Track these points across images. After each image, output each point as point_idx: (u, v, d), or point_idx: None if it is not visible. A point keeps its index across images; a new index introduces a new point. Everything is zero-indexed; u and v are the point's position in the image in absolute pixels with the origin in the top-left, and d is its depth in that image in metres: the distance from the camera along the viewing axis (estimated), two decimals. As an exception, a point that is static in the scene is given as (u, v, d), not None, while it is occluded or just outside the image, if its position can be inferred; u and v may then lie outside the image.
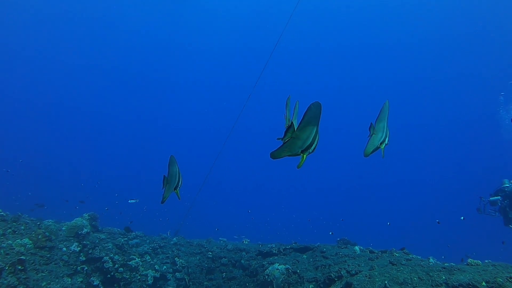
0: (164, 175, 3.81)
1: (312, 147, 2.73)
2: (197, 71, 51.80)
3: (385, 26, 41.86)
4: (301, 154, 2.72)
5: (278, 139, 3.90)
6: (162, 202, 3.85)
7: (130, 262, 10.01)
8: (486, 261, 6.20)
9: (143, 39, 47.42)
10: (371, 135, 3.51)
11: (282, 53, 44.19)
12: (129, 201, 13.17)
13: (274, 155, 2.64)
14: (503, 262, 6.04)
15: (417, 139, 45.76)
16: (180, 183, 3.90)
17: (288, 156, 2.69)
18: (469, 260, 6.20)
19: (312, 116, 2.55)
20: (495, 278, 4.98)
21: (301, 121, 2.58)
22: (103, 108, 52.94)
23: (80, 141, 50.75)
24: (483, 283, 4.99)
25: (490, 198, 11.47)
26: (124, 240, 10.71)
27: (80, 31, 44.20)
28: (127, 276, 9.78)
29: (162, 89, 53.49)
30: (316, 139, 2.71)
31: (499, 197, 11.24)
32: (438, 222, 11.24)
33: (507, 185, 11.18)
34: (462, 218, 11.22)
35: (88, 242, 10.07)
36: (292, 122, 2.62)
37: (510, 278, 4.98)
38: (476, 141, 45.39)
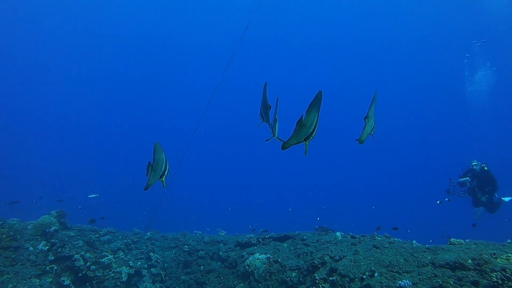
0: (149, 161, 3.56)
1: (314, 134, 2.83)
2: (168, 62, 50.78)
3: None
4: (304, 141, 2.83)
5: (267, 140, 3.79)
6: (146, 189, 3.62)
7: (102, 260, 9.59)
8: (467, 240, 6.27)
9: (108, 32, 45.98)
10: (366, 123, 3.62)
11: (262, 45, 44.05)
12: (88, 195, 12.69)
13: (284, 146, 2.79)
14: (484, 240, 6.12)
15: (386, 121, 45.88)
16: (167, 171, 3.68)
17: (294, 144, 2.83)
18: (452, 239, 6.25)
19: (316, 104, 2.68)
20: (480, 255, 5.01)
21: (306, 110, 2.71)
22: (73, 105, 50.88)
23: (51, 139, 48.65)
24: (469, 261, 5.01)
25: (459, 180, 11.67)
26: (95, 237, 10.25)
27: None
28: (100, 274, 9.36)
29: (133, 83, 51.98)
30: (317, 126, 2.81)
31: (468, 178, 11.46)
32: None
33: (475, 163, 11.42)
34: (447, 199, 11.39)
35: (56, 240, 9.56)
36: (302, 114, 2.73)
37: (494, 254, 5.04)
38: (444, 120, 45.99)
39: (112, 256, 9.88)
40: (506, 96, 35.69)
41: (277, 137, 3.55)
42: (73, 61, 48.15)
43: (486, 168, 11.20)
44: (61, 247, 9.47)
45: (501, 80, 28.14)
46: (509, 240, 6.10)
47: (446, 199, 11.34)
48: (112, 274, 9.54)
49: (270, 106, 3.71)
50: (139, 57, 49.89)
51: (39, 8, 40.78)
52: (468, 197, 11.67)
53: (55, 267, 9.16)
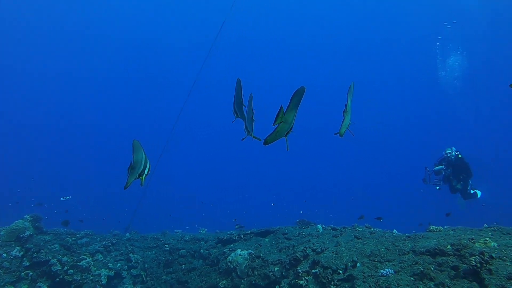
0: (130, 161, 3.46)
1: (292, 128, 2.92)
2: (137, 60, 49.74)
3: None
4: (285, 136, 2.91)
5: (243, 139, 3.78)
6: (125, 188, 3.50)
7: (80, 263, 9.36)
8: (446, 226, 6.36)
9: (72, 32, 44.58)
10: (345, 117, 3.75)
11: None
12: (61, 198, 12.42)
13: (267, 141, 2.82)
14: (462, 226, 6.22)
15: (362, 111, 45.69)
16: (147, 170, 3.58)
17: (276, 139, 2.89)
18: (431, 226, 6.33)
19: (297, 100, 2.75)
20: (459, 240, 5.07)
21: (288, 105, 2.77)
22: (47, 106, 49.04)
23: (25, 141, 46.93)
24: (449, 247, 5.07)
25: (434, 168, 11.84)
26: (73, 240, 10.00)
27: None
28: (78, 278, 9.13)
29: (111, 81, 50.46)
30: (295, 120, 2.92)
31: (443, 166, 11.63)
32: (438, 188, 11.47)
33: (449, 151, 11.61)
34: (437, 188, 11.55)
35: (31, 246, 9.25)
36: (281, 107, 2.77)
37: (472, 239, 5.11)
38: (418, 108, 46.09)
39: (90, 259, 9.66)
40: (478, 83, 36.21)
41: (253, 136, 3.52)
42: (43, 60, 46.66)
43: (460, 156, 11.38)
44: (36, 252, 9.17)
45: (472, 66, 28.46)
46: (485, 225, 6.22)
47: (437, 188, 11.50)
48: (91, 277, 9.33)
49: (245, 105, 3.68)
50: (117, 54, 48.53)
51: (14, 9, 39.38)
52: (443, 185, 11.85)
53: (31, 273, 8.87)
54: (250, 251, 8.19)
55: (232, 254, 8.33)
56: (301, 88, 2.70)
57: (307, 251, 6.91)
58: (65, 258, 9.26)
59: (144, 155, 3.57)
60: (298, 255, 6.98)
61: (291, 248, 7.73)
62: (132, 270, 9.85)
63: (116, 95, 51.45)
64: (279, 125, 2.80)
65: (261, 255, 7.93)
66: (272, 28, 45.62)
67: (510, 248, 4.64)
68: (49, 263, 9.00)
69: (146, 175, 3.65)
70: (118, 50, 47.82)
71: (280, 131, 2.83)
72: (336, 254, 6.19)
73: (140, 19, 44.82)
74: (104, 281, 9.34)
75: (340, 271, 5.74)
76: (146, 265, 9.98)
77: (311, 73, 49.42)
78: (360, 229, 7.64)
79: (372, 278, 5.05)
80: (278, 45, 47.69)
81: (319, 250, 6.78)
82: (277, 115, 2.78)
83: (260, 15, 43.50)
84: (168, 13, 44.47)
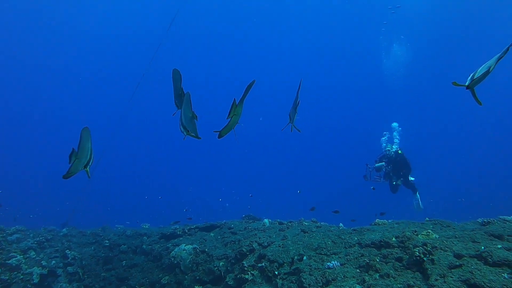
0: (73, 148, 3.10)
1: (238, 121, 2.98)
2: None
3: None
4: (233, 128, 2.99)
5: (184, 139, 3.63)
6: (66, 177, 3.13)
7: (9, 261, 8.64)
8: (390, 220, 6.46)
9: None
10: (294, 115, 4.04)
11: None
12: None
13: (221, 135, 2.91)
14: (405, 220, 6.34)
15: (308, 103, 45.72)
16: (91, 161, 3.25)
17: (228, 132, 2.95)
18: (377, 220, 6.39)
19: (246, 93, 2.81)
20: (403, 233, 5.13)
21: (241, 98, 2.84)
22: None
23: None
24: (393, 239, 5.12)
25: (375, 165, 12.05)
26: (1, 237, 9.22)
27: None
28: (6, 277, 8.42)
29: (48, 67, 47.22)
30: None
31: (383, 163, 11.87)
32: (373, 188, 11.49)
33: (389, 148, 11.90)
34: (394, 183, 11.67)
35: (-48, 242, 8.41)
36: (234, 100, 2.85)
37: (415, 231, 5.20)
38: (362, 102, 47.32)
39: (21, 256, 8.96)
40: (421, 73, 36.92)
41: (191, 135, 3.31)
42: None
43: (400, 152, 11.67)
44: (-43, 249, 8.36)
45: (416, 57, 29.00)
46: (427, 219, 6.39)
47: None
48: (22, 276, 8.63)
49: (183, 93, 3.45)
50: (63, 40, 45.56)
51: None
52: (384, 182, 12.07)
53: (-50, 273, 8.05)
54: (194, 246, 7.93)
55: (176, 249, 8.02)
56: (252, 82, 2.78)
57: (253, 245, 6.76)
58: (-9, 256, 8.51)
59: (90, 145, 3.28)
60: (244, 249, 6.81)
61: (236, 242, 7.54)
62: (68, 268, 9.24)
63: (61, 86, 48.60)
64: (231, 118, 2.87)
65: (206, 250, 7.69)
66: (223, 24, 45.10)
67: (450, 239, 4.75)
68: (-28, 261, 8.23)
69: (89, 166, 3.34)
70: (64, 36, 45.07)
71: (232, 124, 2.90)
72: (282, 247, 6.08)
73: (90, 8, 42.52)
74: (36, 280, 8.68)
75: (287, 265, 5.64)
76: (83, 262, 9.38)
77: (258, 69, 49.40)
78: (306, 223, 7.62)
79: (319, 271, 4.98)
80: (230, 41, 47.36)
81: (266, 244, 6.65)
82: (231, 109, 2.84)
83: (211, 11, 42.80)
84: (119, 4, 42.51)
